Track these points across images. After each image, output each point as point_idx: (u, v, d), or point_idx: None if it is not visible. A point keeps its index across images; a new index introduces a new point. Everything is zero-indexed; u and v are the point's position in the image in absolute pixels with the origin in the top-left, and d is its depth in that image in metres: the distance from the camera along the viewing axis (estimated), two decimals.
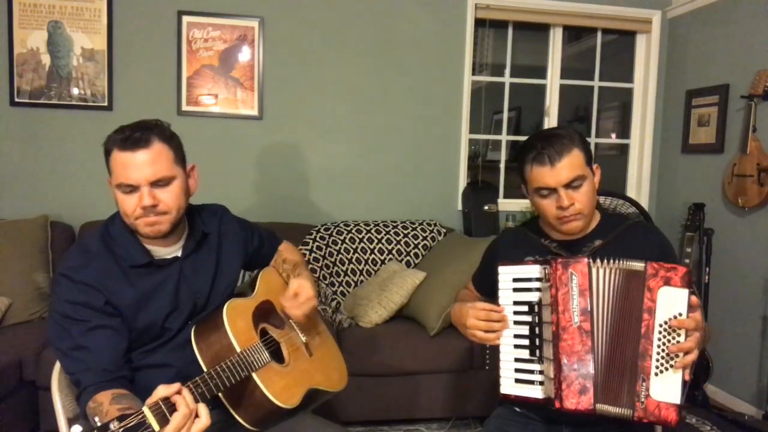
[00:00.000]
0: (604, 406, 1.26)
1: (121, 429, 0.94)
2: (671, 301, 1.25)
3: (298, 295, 1.49)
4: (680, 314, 1.25)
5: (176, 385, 1.05)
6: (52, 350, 1.31)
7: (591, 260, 1.30)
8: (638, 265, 1.28)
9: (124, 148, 1.25)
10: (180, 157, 1.35)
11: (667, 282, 1.26)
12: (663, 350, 1.25)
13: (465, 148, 3.43)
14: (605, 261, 1.30)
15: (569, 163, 1.38)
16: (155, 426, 0.98)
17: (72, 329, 1.24)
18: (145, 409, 0.98)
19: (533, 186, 1.43)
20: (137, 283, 1.33)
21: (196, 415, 1.06)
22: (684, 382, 1.24)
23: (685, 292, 1.25)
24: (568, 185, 1.39)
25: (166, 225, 1.32)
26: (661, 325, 1.25)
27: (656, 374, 1.24)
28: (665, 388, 1.23)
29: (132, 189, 1.26)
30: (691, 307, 1.25)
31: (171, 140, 1.32)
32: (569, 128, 1.46)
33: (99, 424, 0.94)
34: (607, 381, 1.27)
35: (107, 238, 1.35)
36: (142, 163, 1.25)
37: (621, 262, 1.29)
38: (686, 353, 1.24)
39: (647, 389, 1.23)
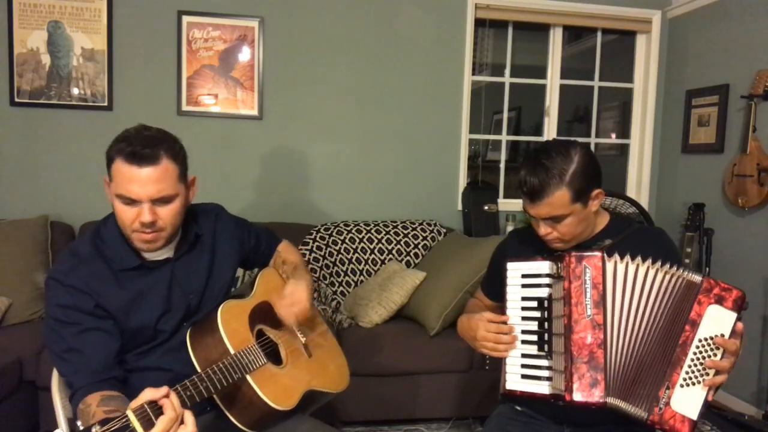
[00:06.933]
0: (615, 401, 1.25)
1: None
2: (717, 321, 1.25)
3: (291, 298, 1.49)
4: (722, 335, 1.25)
5: (164, 389, 1.02)
6: (48, 354, 1.31)
7: (606, 255, 1.30)
8: (696, 277, 1.28)
9: (130, 162, 1.21)
10: (184, 174, 1.33)
11: (719, 301, 1.26)
12: (696, 365, 1.24)
13: (465, 148, 3.43)
14: (641, 259, 1.30)
15: (548, 203, 1.35)
16: (139, 430, 0.95)
17: (63, 332, 1.24)
18: (129, 413, 0.96)
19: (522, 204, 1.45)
20: (128, 285, 1.32)
21: (182, 422, 1.03)
22: (706, 402, 1.23)
23: (734, 315, 1.25)
24: (547, 218, 1.39)
25: (162, 241, 1.32)
26: (700, 340, 1.25)
27: (682, 386, 1.24)
28: (687, 401, 1.23)
29: (132, 202, 1.24)
30: (734, 333, 1.25)
31: (178, 157, 1.29)
32: (571, 150, 1.36)
33: (82, 428, 0.91)
34: (624, 377, 1.27)
35: (98, 241, 1.34)
36: (147, 180, 1.22)
37: (678, 269, 1.29)
38: (717, 373, 1.24)
39: (669, 397, 1.23)
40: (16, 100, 2.95)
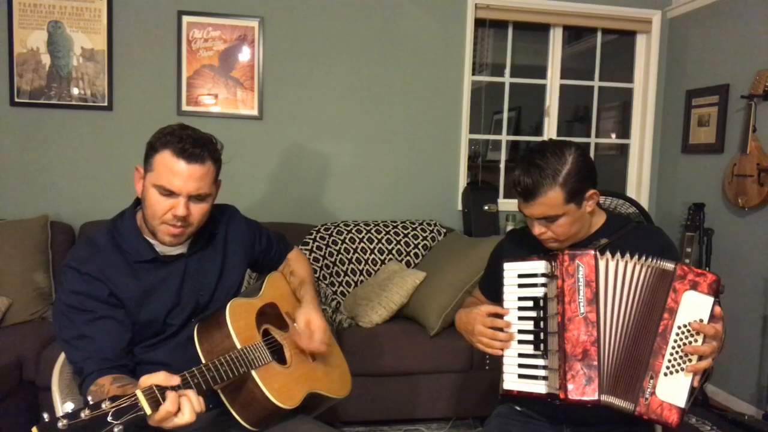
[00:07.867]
0: (609, 397, 1.26)
1: (113, 409, 0.95)
2: (695, 306, 1.25)
3: (311, 329, 1.50)
4: (701, 320, 1.25)
5: (176, 379, 1.06)
6: (57, 341, 1.33)
7: (599, 253, 1.31)
8: (668, 265, 1.28)
9: (179, 156, 1.28)
10: (217, 177, 1.40)
11: (694, 287, 1.26)
12: (677, 352, 1.24)
13: (465, 148, 3.43)
14: (629, 255, 1.31)
15: (542, 203, 1.35)
16: (147, 410, 0.99)
17: (76, 319, 1.27)
18: (138, 392, 1.00)
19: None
20: (141, 277, 1.35)
21: (179, 409, 1.06)
22: (692, 389, 1.23)
23: (711, 299, 1.25)
24: (541, 218, 1.39)
25: (185, 237, 1.37)
26: (679, 327, 1.25)
27: (665, 374, 1.24)
28: (672, 389, 1.23)
29: (170, 194, 1.29)
30: (713, 317, 1.25)
31: (218, 162, 1.37)
32: (565, 150, 1.36)
33: (92, 402, 0.94)
34: (616, 373, 1.27)
35: (115, 232, 1.38)
36: (191, 177, 1.29)
37: (651, 259, 1.30)
38: (700, 358, 1.24)
39: (654, 387, 1.23)
40: (16, 100, 2.95)
